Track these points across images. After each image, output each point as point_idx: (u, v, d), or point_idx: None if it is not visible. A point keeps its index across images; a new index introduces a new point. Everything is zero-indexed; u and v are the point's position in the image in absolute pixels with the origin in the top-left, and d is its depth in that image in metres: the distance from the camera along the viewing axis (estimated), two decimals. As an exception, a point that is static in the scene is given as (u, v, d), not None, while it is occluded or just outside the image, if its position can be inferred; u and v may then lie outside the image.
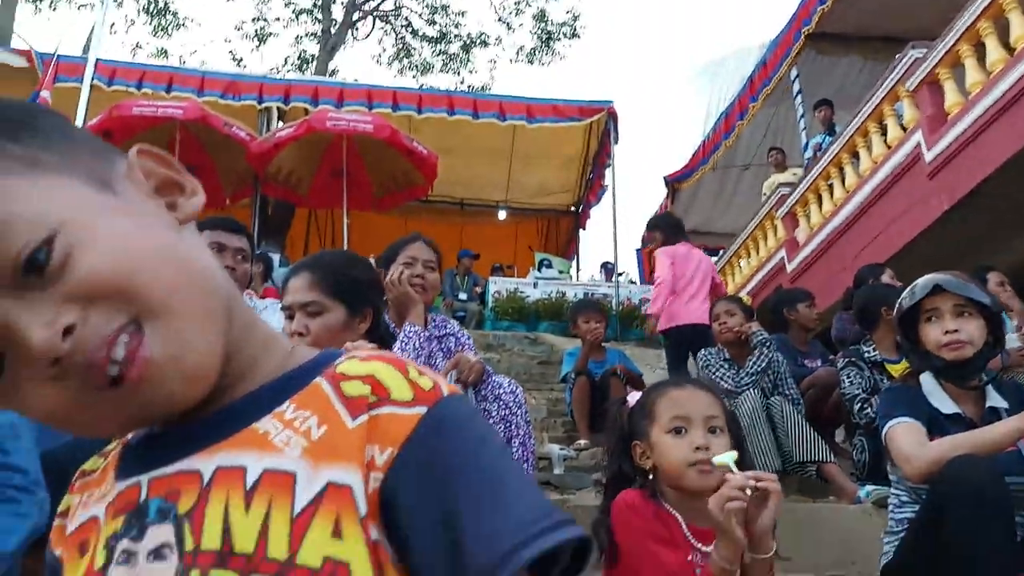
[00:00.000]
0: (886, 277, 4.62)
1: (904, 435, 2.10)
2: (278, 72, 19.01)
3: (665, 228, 5.64)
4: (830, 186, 7.95)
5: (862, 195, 7.18)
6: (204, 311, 0.57)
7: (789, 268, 8.46)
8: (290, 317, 2.03)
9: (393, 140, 9.33)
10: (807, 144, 9.62)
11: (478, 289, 11.61)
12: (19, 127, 0.55)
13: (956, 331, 2.18)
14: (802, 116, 9.97)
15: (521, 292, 11.16)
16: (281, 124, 10.95)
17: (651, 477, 1.79)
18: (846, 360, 3.83)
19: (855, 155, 7.57)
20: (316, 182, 10.47)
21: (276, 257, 8.39)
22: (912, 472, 2.05)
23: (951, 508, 1.91)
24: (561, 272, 12.72)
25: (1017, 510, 1.96)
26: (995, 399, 2.19)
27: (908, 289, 2.32)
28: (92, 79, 11.09)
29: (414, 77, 21.27)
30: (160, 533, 0.55)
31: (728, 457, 1.58)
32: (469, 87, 20.14)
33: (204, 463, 0.56)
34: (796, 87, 10.04)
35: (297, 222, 12.60)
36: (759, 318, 4.43)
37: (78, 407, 0.54)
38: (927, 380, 2.26)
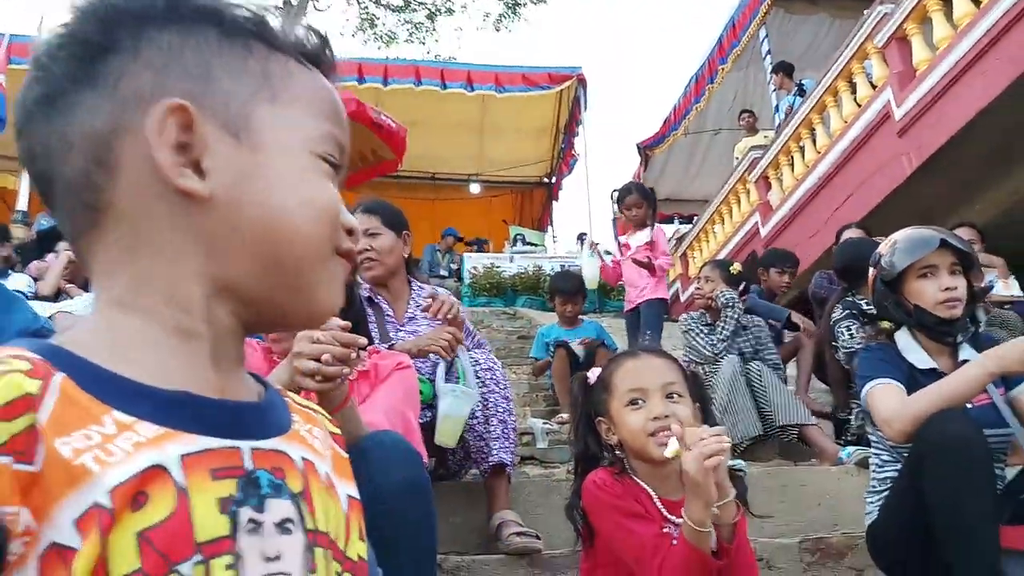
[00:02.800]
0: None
1: (884, 397, 2.08)
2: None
3: (654, 202, 5.33)
4: (801, 148, 7.94)
5: (833, 155, 7.17)
6: None
7: (763, 232, 8.46)
8: None
9: (359, 114, 9.15)
10: (778, 106, 9.60)
11: (454, 266, 11.53)
12: None
13: (955, 288, 2.16)
14: (772, 78, 9.94)
15: (497, 267, 11.11)
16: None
17: (619, 453, 1.76)
18: (845, 311, 3.55)
19: (826, 115, 7.56)
20: (283, 162, 10.27)
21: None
22: (893, 434, 2.03)
23: (932, 464, 1.89)
24: (536, 245, 12.68)
25: (995, 462, 1.97)
26: (968, 352, 2.18)
27: (904, 244, 2.23)
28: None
29: (379, 48, 20.86)
30: (281, 508, 0.56)
31: (671, 449, 1.52)
32: (436, 57, 19.81)
33: (289, 448, 0.60)
34: (765, 48, 10.00)
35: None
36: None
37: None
38: (902, 337, 2.24)
